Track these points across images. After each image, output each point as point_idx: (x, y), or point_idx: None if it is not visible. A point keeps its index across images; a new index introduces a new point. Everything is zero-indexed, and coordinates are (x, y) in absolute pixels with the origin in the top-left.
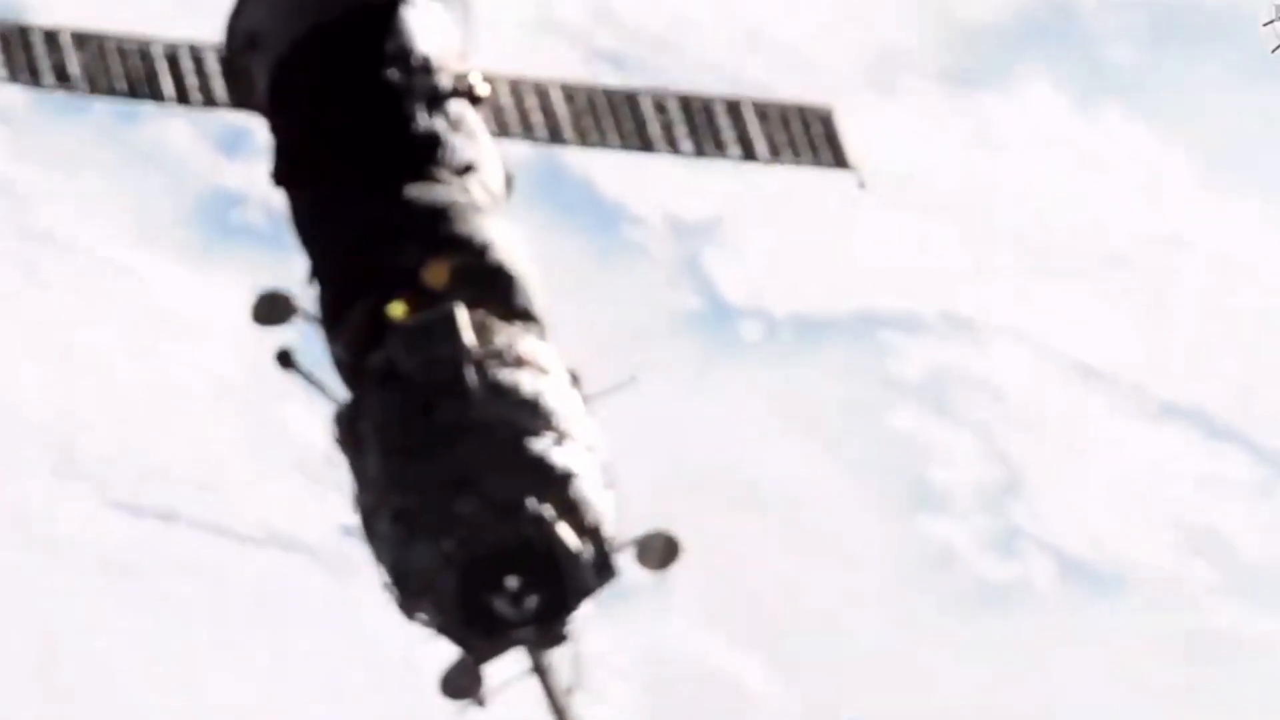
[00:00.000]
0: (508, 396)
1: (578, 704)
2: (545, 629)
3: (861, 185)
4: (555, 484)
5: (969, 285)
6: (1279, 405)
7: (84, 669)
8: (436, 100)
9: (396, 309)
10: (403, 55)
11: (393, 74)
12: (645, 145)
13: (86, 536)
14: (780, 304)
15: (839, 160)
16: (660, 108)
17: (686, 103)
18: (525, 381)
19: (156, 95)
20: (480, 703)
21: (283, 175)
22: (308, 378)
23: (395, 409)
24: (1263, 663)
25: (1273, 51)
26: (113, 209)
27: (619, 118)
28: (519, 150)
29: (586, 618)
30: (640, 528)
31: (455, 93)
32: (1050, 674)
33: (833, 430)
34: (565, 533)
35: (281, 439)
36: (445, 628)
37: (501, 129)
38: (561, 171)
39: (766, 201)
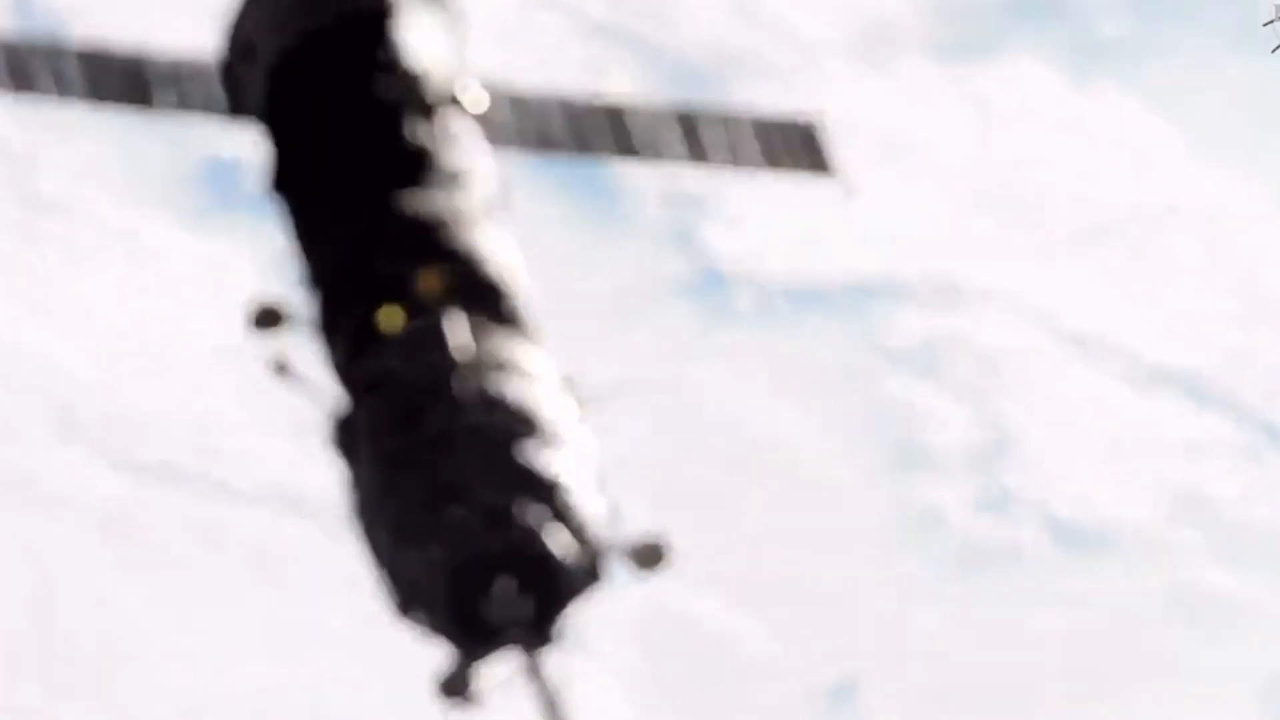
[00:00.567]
0: (498, 403)
1: (569, 706)
2: (537, 631)
3: (849, 194)
4: (546, 490)
5: (960, 254)
6: (1268, 372)
7: (83, 626)
8: (429, 110)
9: (387, 316)
10: (395, 65)
11: (385, 84)
12: (635, 156)
13: (85, 495)
14: (773, 273)
15: (825, 169)
16: (652, 119)
17: (677, 114)
18: (516, 388)
19: (155, 105)
20: (472, 705)
21: (278, 184)
22: (300, 386)
23: (386, 416)
24: (1248, 624)
25: (1273, 52)
26: (111, 172)
27: (610, 128)
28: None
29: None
30: (636, 494)
31: (448, 102)
32: (1038, 633)
33: (825, 396)
34: (556, 538)
35: (281, 399)
36: (437, 632)
37: (494, 139)
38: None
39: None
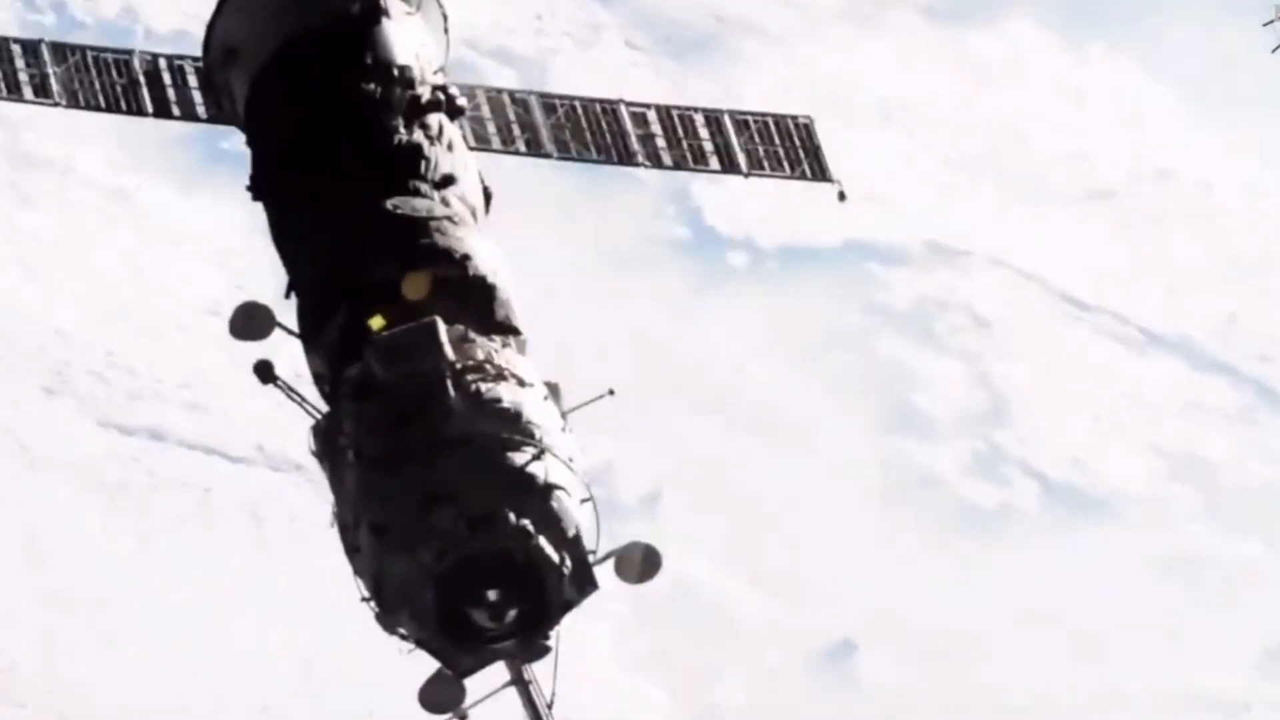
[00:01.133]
0: (486, 409)
1: (557, 715)
2: (525, 641)
3: (842, 197)
4: (534, 497)
5: (955, 217)
6: (1262, 335)
7: (76, 580)
8: (415, 113)
9: (375, 321)
10: (381, 68)
11: (371, 87)
12: (625, 157)
13: (77, 454)
14: (767, 234)
15: (819, 172)
16: (640, 120)
17: (666, 114)
18: (504, 394)
19: (136, 109)
20: (461, 716)
21: (262, 188)
22: (287, 390)
23: (373, 421)
24: (1242, 584)
25: (1273, 52)
26: (103, 133)
27: (599, 129)
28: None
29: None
30: (630, 454)
31: (434, 105)
32: (1034, 594)
33: (819, 356)
34: (544, 545)
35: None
36: (425, 641)
37: (480, 141)
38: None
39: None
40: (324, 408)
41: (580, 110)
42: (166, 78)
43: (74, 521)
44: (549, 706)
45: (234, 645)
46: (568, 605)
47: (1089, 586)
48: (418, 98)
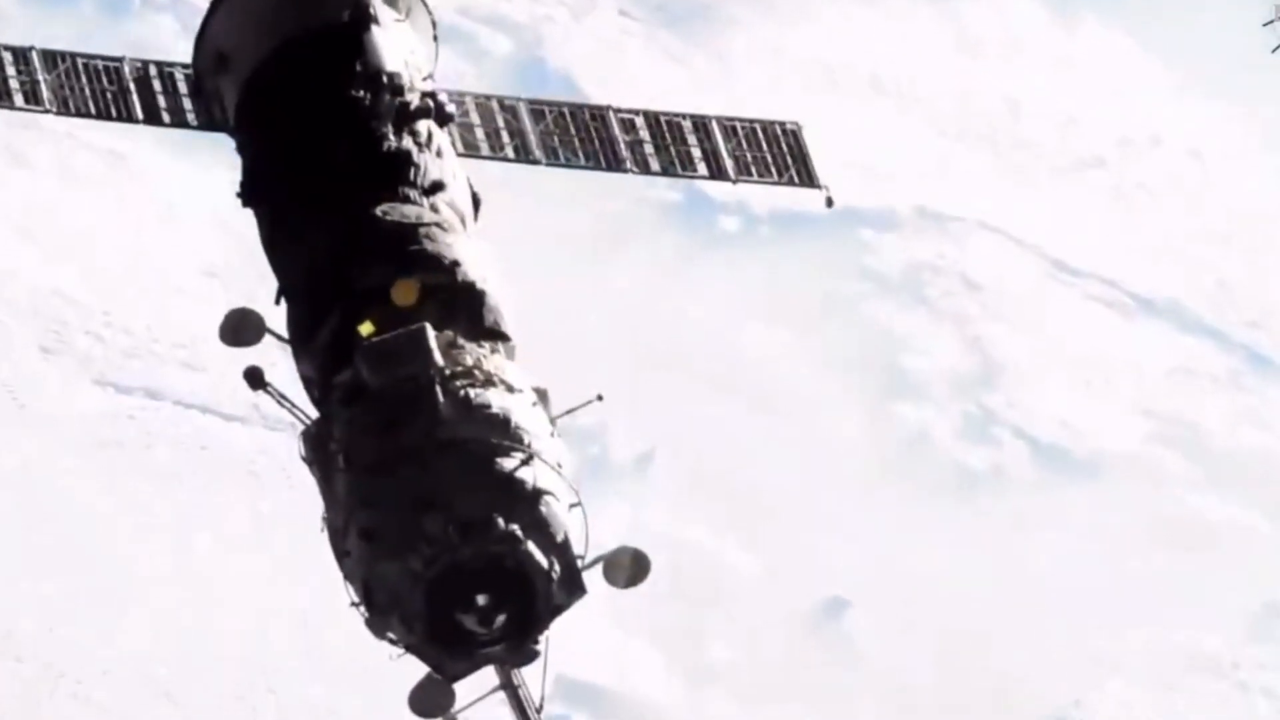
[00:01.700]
0: (476, 415)
1: None
2: (514, 646)
3: (829, 203)
4: (523, 502)
5: (946, 183)
6: (1251, 301)
7: (73, 537)
8: (405, 119)
9: (365, 327)
10: (371, 75)
11: (361, 93)
12: (613, 164)
13: (74, 411)
14: (758, 199)
15: (807, 178)
16: (628, 125)
17: (655, 120)
18: (493, 400)
19: (126, 115)
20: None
21: (252, 194)
22: (278, 396)
23: (363, 427)
24: (1230, 545)
25: (1273, 52)
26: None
27: (587, 136)
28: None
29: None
30: (623, 416)
31: (423, 112)
32: (1025, 556)
33: (810, 320)
34: (534, 550)
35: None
36: (414, 646)
37: (469, 148)
38: (544, 67)
39: (747, 98)
40: (314, 413)
41: (569, 116)
42: (157, 84)
43: (71, 479)
44: (538, 710)
45: (231, 602)
46: (557, 610)
47: (1079, 547)
48: (407, 104)
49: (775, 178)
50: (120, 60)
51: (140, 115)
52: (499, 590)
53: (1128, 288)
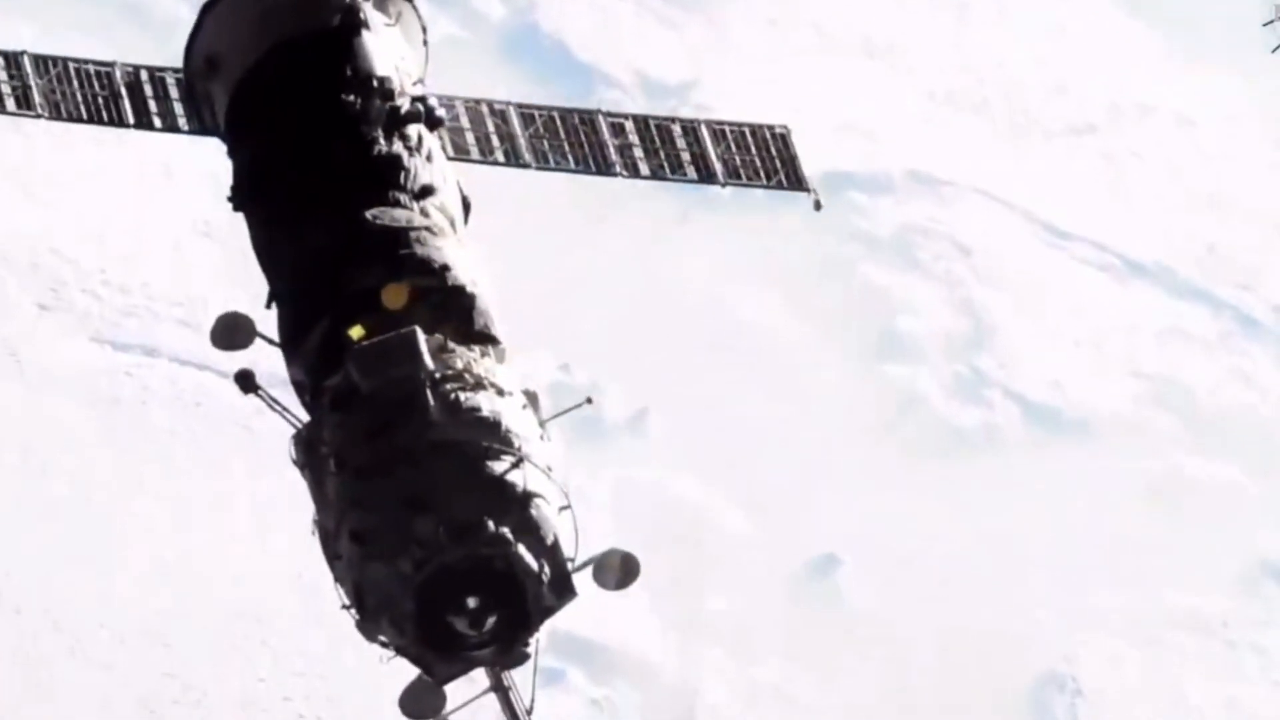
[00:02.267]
0: (466, 418)
1: None
2: (505, 649)
3: (818, 207)
4: (514, 505)
5: (938, 148)
6: (1242, 264)
7: (70, 491)
8: (395, 124)
9: (356, 331)
10: (361, 79)
11: (351, 98)
12: (603, 167)
13: (72, 369)
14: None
15: (795, 181)
16: (617, 129)
17: (644, 124)
18: (483, 403)
19: (118, 120)
20: None
21: (243, 199)
22: (268, 400)
23: (354, 430)
24: (1219, 505)
25: (1273, 51)
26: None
27: (577, 140)
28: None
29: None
30: (617, 375)
31: (413, 116)
32: (1017, 515)
33: (803, 283)
34: (524, 553)
35: (261, 279)
36: (405, 648)
37: (459, 151)
38: (536, 32)
39: (740, 64)
40: (305, 417)
41: (558, 120)
42: (148, 89)
43: (68, 434)
44: (529, 713)
45: (227, 555)
46: (547, 612)
47: (1069, 506)
48: (397, 109)
49: (764, 181)
50: (112, 65)
51: (131, 120)
52: (489, 593)
53: (1119, 251)
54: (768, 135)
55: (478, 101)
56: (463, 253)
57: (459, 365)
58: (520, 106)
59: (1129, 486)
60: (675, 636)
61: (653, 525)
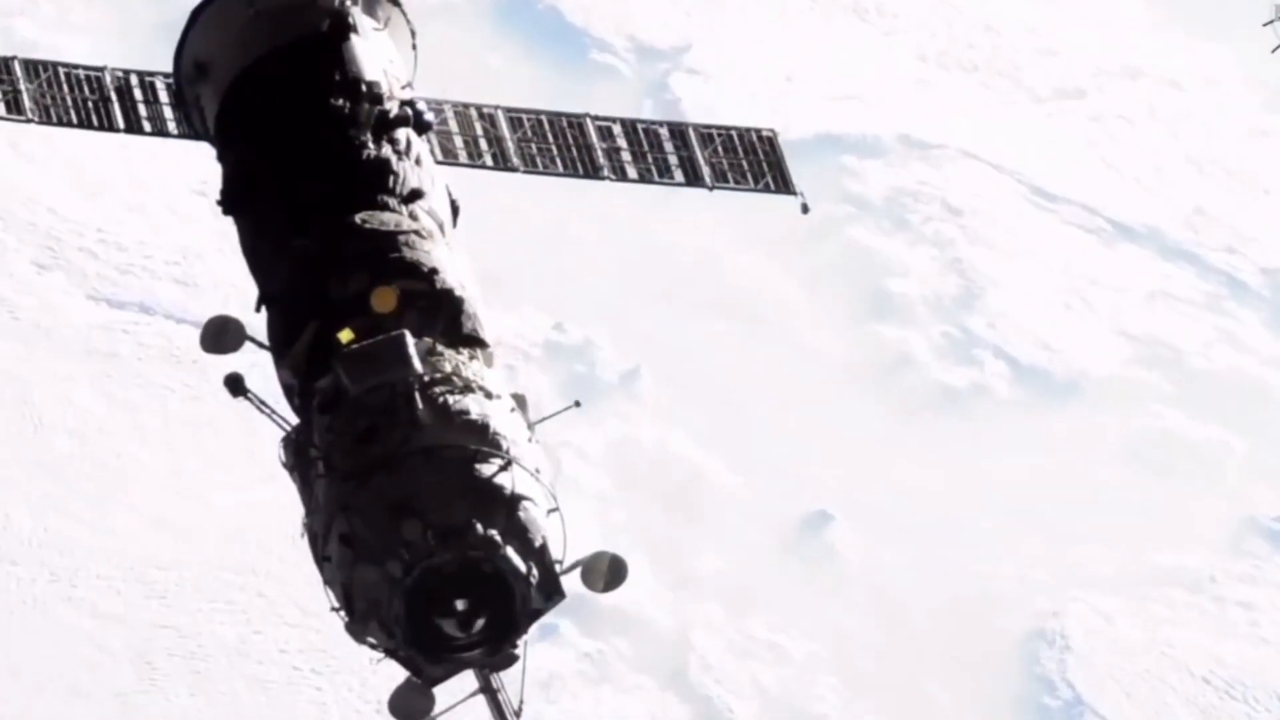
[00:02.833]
0: (454, 421)
1: None
2: (493, 650)
3: (805, 210)
4: (502, 507)
5: (929, 111)
6: (1229, 227)
7: (67, 446)
8: (384, 128)
9: (345, 334)
10: (350, 83)
11: (340, 102)
12: (591, 171)
13: (68, 325)
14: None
15: (782, 184)
16: (605, 133)
17: (632, 127)
18: (472, 406)
19: (108, 125)
20: None
21: (232, 203)
22: (258, 403)
23: (342, 433)
24: (1207, 463)
25: (1273, 52)
26: (91, 21)
27: (564, 144)
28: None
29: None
30: (611, 335)
31: (402, 120)
32: (1006, 473)
33: (795, 244)
34: (512, 555)
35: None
36: (393, 651)
37: (448, 155)
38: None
39: (732, 29)
40: (294, 420)
41: (546, 124)
42: (138, 94)
43: (66, 390)
44: (517, 714)
45: (221, 509)
46: (535, 614)
47: (1058, 465)
48: (386, 113)
49: (751, 184)
50: (102, 70)
51: (121, 124)
52: (478, 595)
53: (1107, 214)
54: (755, 139)
55: (466, 105)
56: (451, 256)
57: (448, 368)
58: (508, 111)
59: (1117, 445)
60: (668, 591)
61: (647, 481)
